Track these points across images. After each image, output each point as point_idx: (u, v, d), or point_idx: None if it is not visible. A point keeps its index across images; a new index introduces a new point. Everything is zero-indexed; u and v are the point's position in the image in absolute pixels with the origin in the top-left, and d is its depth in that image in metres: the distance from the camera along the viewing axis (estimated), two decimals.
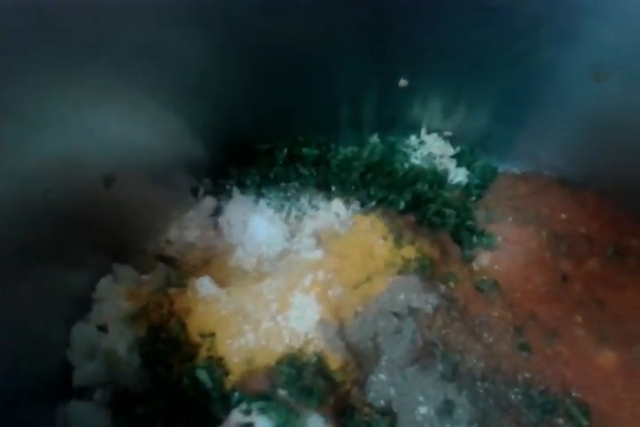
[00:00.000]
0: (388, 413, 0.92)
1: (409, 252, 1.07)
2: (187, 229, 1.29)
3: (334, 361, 0.94)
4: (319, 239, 1.15)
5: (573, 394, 1.00)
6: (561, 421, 0.97)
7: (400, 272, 1.04)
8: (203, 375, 0.92)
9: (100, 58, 0.96)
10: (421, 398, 0.93)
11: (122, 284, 1.13)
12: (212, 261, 1.22)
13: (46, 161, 0.95)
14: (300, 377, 0.90)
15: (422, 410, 0.92)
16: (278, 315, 0.98)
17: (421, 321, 0.98)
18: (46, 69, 0.88)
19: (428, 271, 1.06)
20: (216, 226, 1.30)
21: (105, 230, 1.14)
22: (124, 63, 1.00)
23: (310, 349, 0.95)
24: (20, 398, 0.94)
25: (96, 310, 1.09)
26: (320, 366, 0.93)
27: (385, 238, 1.08)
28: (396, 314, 0.98)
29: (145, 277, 1.16)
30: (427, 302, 1.00)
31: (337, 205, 1.23)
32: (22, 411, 0.94)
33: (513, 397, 0.98)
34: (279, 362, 0.93)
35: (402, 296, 0.99)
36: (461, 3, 1.14)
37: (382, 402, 0.93)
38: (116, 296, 1.09)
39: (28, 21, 0.83)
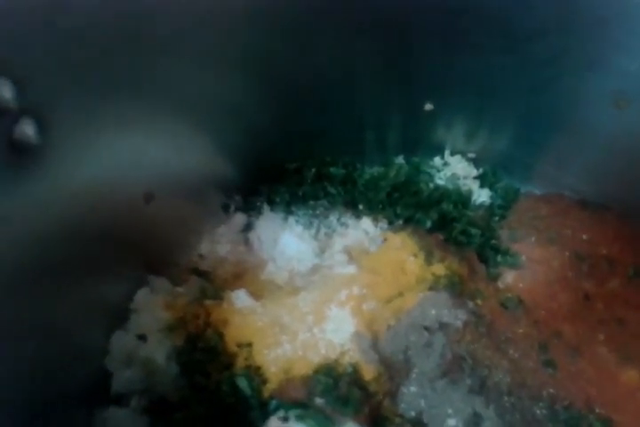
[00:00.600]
0: (418, 424, 0.95)
1: (439, 269, 1.10)
2: (218, 244, 1.33)
3: (368, 372, 0.98)
4: (350, 256, 1.19)
5: (597, 410, 1.03)
6: None
7: (430, 288, 1.07)
8: (242, 383, 0.96)
9: (143, 90, 1.01)
10: (450, 411, 0.96)
11: (158, 295, 1.16)
12: (244, 275, 1.25)
13: (95, 179, 0.99)
14: (337, 387, 0.93)
15: (451, 422, 0.95)
16: (314, 327, 1.02)
17: (451, 336, 1.02)
18: (100, 98, 0.94)
19: (457, 288, 1.09)
20: (247, 241, 1.34)
21: (142, 245, 1.18)
22: (164, 94, 1.05)
23: (346, 360, 0.98)
24: (59, 403, 0.97)
25: (134, 320, 1.12)
26: (355, 377, 0.96)
27: (416, 256, 1.12)
28: (426, 328, 1.02)
29: (179, 289, 1.20)
30: (456, 317, 1.03)
31: (366, 222, 1.27)
32: (61, 416, 0.97)
33: (538, 411, 1.00)
34: (316, 372, 0.96)
35: (432, 311, 1.03)
36: (488, 31, 1.18)
37: (413, 413, 0.96)
38: (153, 307, 1.13)
39: (87, 48, 0.88)
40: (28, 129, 0.79)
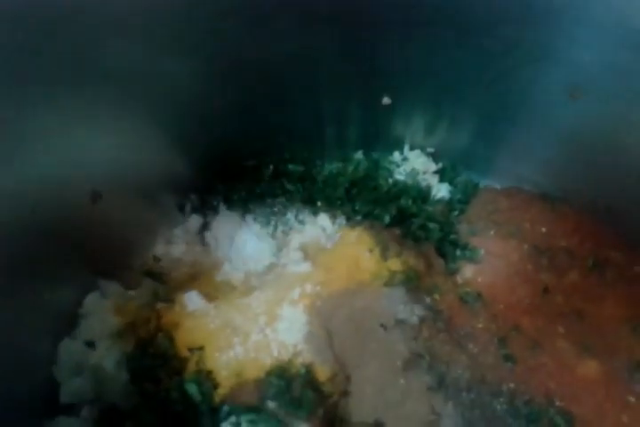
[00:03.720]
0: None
1: (395, 264, 1.08)
2: (173, 245, 1.30)
3: (323, 373, 0.95)
4: (306, 253, 1.16)
5: (557, 404, 1.02)
6: None
7: (386, 284, 1.06)
8: (192, 389, 0.93)
9: (86, 75, 0.97)
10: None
11: (109, 299, 1.12)
12: (199, 277, 1.22)
13: (34, 176, 0.95)
14: (290, 389, 0.91)
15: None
16: (267, 327, 0.99)
17: (408, 332, 1.00)
18: (32, 85, 0.89)
19: (413, 283, 1.07)
20: (203, 241, 1.31)
21: (91, 247, 1.14)
22: (109, 80, 1.01)
23: (299, 360, 0.96)
24: (5, 414, 0.93)
25: (83, 326, 1.08)
26: (309, 378, 0.94)
27: (371, 251, 1.10)
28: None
29: (132, 292, 1.16)
30: (413, 313, 1.01)
31: (323, 219, 1.25)
32: None
33: (498, 407, 0.99)
34: (268, 374, 0.94)
35: (388, 308, 1.01)
36: (443, 23, 1.17)
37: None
38: (103, 312, 1.09)
39: (20, 36, 0.83)
40: None
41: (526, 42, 1.16)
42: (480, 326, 1.10)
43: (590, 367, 1.07)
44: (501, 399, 1.00)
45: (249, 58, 1.19)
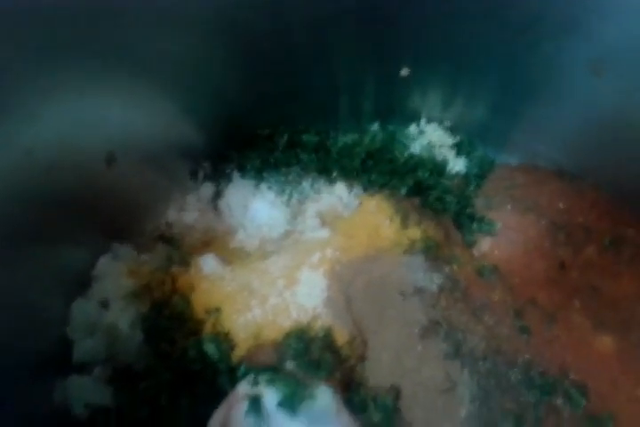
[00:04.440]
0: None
1: (415, 233, 1.07)
2: (186, 212, 1.29)
3: (341, 336, 0.95)
4: (323, 220, 1.15)
5: (571, 376, 1.02)
6: (559, 401, 0.98)
7: (406, 252, 1.05)
8: (210, 348, 0.92)
9: (102, 45, 0.96)
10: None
11: (122, 262, 1.12)
12: (212, 243, 1.22)
13: (51, 136, 0.94)
14: (308, 351, 0.90)
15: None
16: (286, 291, 0.98)
17: (426, 300, 0.99)
18: (51, 50, 0.88)
19: (432, 252, 1.06)
20: (216, 209, 1.30)
21: (104, 210, 1.14)
22: (122, 49, 1.00)
23: (318, 324, 0.95)
24: (18, 373, 0.93)
25: (96, 288, 1.08)
26: (327, 341, 0.93)
27: (391, 219, 1.08)
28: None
29: (145, 256, 1.15)
30: (432, 281, 1.00)
31: (340, 188, 1.24)
32: (21, 386, 0.93)
33: (513, 377, 0.99)
34: (287, 336, 0.93)
35: (408, 275, 1.00)
36: None
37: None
38: (116, 274, 1.09)
39: (36, 7, 0.83)
40: None
41: (550, 15, 1.14)
42: (496, 298, 1.09)
43: (605, 342, 1.06)
44: (516, 370, 0.99)
45: (262, 26, 1.17)
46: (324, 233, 1.07)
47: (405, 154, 1.40)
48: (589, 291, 1.15)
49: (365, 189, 1.26)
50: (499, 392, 0.96)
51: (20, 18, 0.81)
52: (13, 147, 0.88)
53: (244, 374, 0.88)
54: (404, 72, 1.35)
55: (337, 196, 1.23)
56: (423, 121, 1.48)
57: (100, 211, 1.12)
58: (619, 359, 1.05)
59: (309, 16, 1.19)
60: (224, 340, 0.94)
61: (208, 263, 1.06)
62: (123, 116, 1.09)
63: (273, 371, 0.87)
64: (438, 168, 1.38)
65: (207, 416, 0.86)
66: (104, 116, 1.04)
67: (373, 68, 1.36)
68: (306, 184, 1.29)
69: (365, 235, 1.06)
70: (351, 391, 0.91)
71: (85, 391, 0.95)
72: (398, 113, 1.47)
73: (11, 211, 0.91)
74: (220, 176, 1.36)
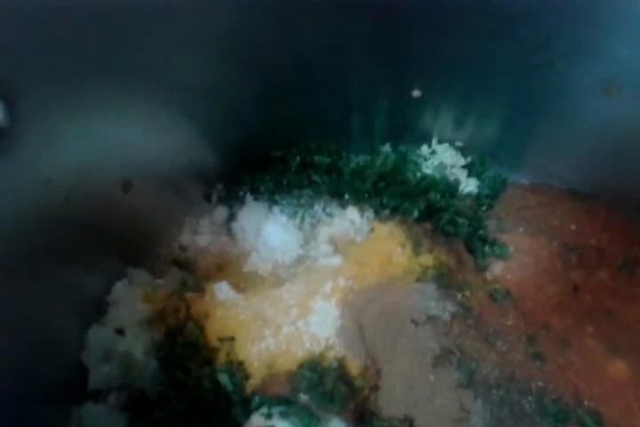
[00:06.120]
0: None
1: (427, 260, 1.08)
2: (200, 235, 1.30)
3: (355, 367, 0.95)
4: (336, 246, 1.16)
5: (585, 403, 1.01)
6: None
7: (418, 280, 1.05)
8: (224, 378, 0.93)
9: (121, 69, 0.97)
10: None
11: (137, 287, 1.13)
12: (226, 267, 1.22)
13: (70, 164, 0.95)
14: (322, 382, 0.90)
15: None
16: (299, 320, 0.99)
17: (439, 328, 0.99)
18: (72, 74, 0.89)
19: (445, 279, 1.07)
20: (230, 232, 1.31)
21: (120, 234, 1.15)
22: (143, 77, 1.02)
23: (331, 354, 0.96)
24: (34, 399, 0.94)
25: (112, 314, 1.09)
26: (341, 372, 0.94)
27: (403, 246, 1.09)
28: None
29: (160, 280, 1.16)
30: (444, 309, 1.01)
31: (352, 212, 1.24)
32: (36, 412, 0.94)
33: (527, 405, 0.99)
34: (300, 366, 0.93)
35: (420, 303, 1.00)
36: (478, 14, 1.15)
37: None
38: (131, 300, 1.10)
39: (61, 31, 0.84)
40: None
41: (564, 34, 1.13)
42: (509, 323, 1.09)
43: (619, 367, 1.06)
44: (530, 398, 1.00)
45: (276, 51, 1.18)
46: (336, 260, 1.08)
47: (417, 174, 1.40)
48: (603, 315, 1.14)
49: (377, 213, 1.26)
50: (512, 421, 0.96)
51: (46, 41, 0.82)
52: (34, 175, 0.89)
53: (258, 406, 0.89)
54: (416, 93, 1.35)
55: (349, 220, 1.23)
56: (435, 141, 1.48)
57: (115, 235, 1.13)
58: (633, 385, 1.04)
59: (323, 37, 1.19)
60: (238, 370, 0.95)
61: (222, 290, 1.07)
62: (140, 141, 1.11)
63: (286, 403, 0.88)
64: (450, 189, 1.37)
65: None
66: (122, 142, 1.06)
67: (385, 89, 1.36)
68: (318, 207, 1.29)
69: (377, 262, 1.06)
70: (364, 422, 0.91)
71: (101, 420, 0.96)
72: (410, 133, 1.47)
73: (28, 237, 0.91)
74: (233, 198, 1.37)
